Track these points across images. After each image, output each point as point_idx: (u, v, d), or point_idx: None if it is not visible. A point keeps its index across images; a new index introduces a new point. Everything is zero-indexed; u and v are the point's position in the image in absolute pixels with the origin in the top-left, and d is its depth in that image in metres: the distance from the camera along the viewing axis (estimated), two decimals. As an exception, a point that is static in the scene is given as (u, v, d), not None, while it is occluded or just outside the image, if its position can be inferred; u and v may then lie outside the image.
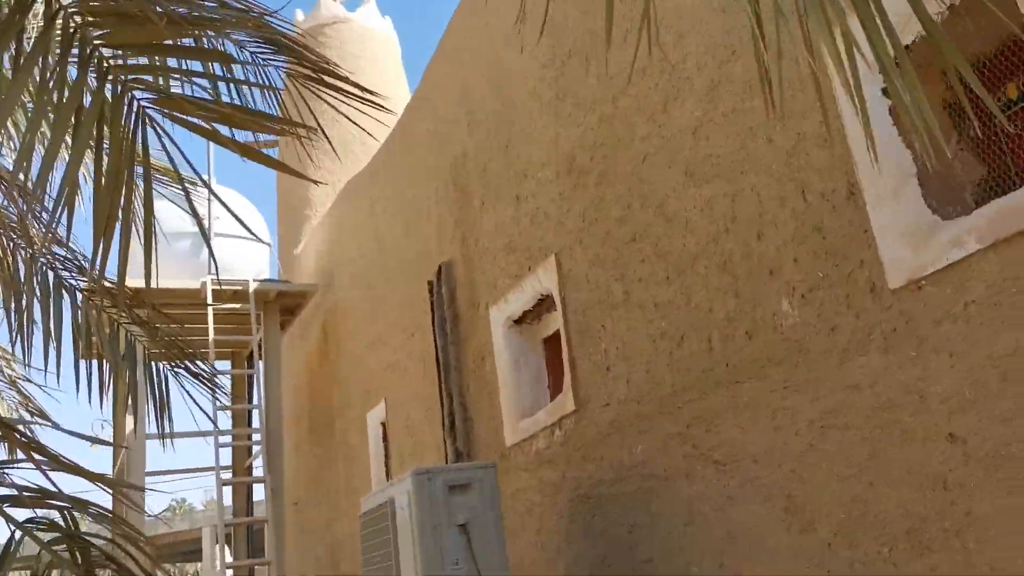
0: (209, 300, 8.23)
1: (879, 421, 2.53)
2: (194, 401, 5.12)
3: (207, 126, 2.05)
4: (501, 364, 5.06)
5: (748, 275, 3.08)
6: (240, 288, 8.51)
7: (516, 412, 4.91)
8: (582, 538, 4.13)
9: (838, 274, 2.68)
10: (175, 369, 4.50)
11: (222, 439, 9.09)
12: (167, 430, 4.74)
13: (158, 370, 4.77)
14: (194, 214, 2.40)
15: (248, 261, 9.05)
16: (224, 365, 10.48)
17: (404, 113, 6.77)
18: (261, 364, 8.69)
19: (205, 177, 9.16)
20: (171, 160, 2.31)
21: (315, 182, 2.73)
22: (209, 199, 8.85)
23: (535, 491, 4.64)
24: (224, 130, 2.27)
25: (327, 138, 2.98)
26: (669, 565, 3.49)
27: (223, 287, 8.42)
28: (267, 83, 3.07)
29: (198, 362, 4.85)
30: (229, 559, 10.63)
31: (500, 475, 5.04)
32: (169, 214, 8.85)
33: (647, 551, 3.63)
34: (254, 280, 8.58)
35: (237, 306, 8.42)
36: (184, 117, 2.15)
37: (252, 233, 9.13)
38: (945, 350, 2.33)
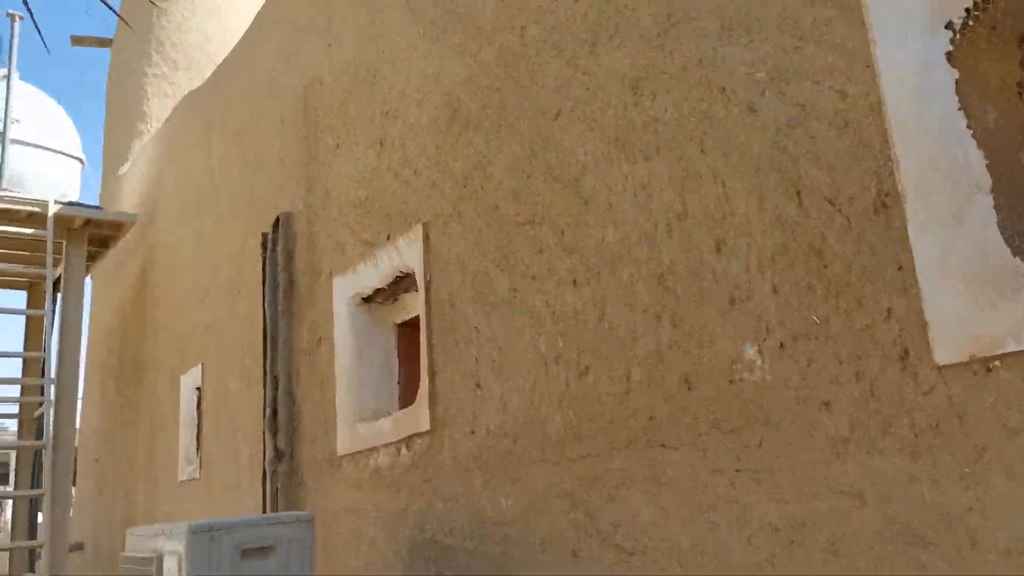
0: (-6, 221, 6.61)
1: (887, 552, 1.65)
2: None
3: None
4: (341, 349, 3.95)
5: (696, 298, 2.13)
6: (37, 210, 6.90)
7: (354, 413, 3.84)
8: (422, 596, 3.15)
9: (846, 324, 1.77)
10: None
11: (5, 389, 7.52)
12: None
13: None
14: None
15: (53, 179, 7.40)
16: (19, 298, 8.78)
17: (253, 22, 5.42)
18: (59, 303, 7.15)
19: (3, 71, 7.40)
20: None
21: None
22: (8, 93, 7.14)
23: (368, 518, 3.60)
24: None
25: None
26: (535, 661, 2.56)
27: (15, 206, 6.79)
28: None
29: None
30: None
31: (327, 488, 3.98)
32: (-48, 109, 7.08)
33: (506, 635, 2.70)
34: (56, 202, 6.98)
35: (29, 231, 6.82)
36: None
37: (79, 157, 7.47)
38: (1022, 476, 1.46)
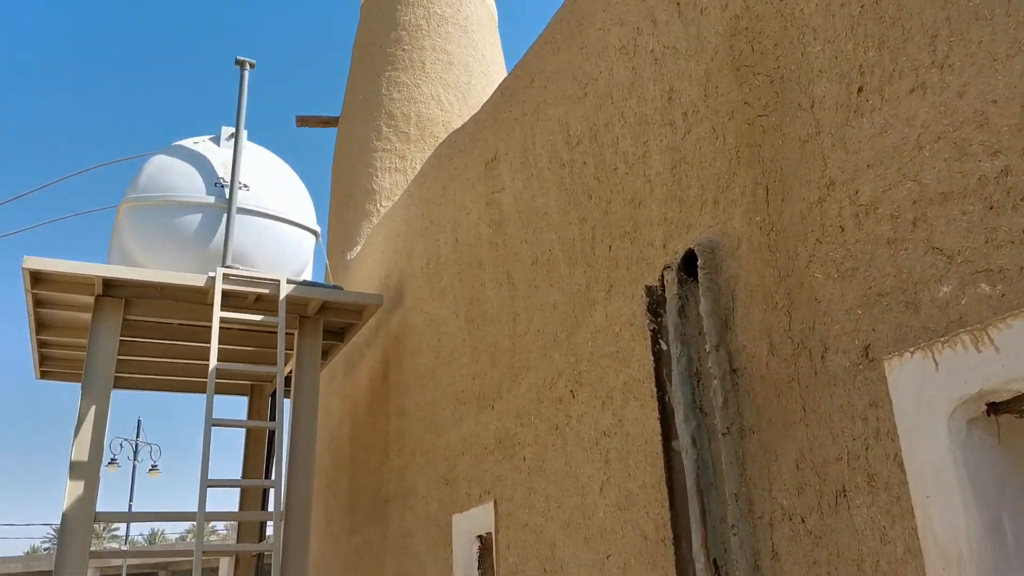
0: (217, 305, 5.00)
1: None
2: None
3: None
4: (939, 522, 1.69)
5: None
6: (266, 291, 5.26)
7: None
8: None
9: None
10: None
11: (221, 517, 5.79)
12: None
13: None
14: None
15: (285, 256, 5.80)
16: (239, 404, 7.23)
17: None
18: (287, 411, 5.39)
19: (231, 130, 6.01)
20: None
21: None
22: (236, 153, 5.67)
23: None
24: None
25: None
26: None
27: (240, 287, 5.18)
28: None
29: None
30: None
31: None
32: (170, 172, 5.69)
33: None
34: (289, 281, 5.33)
35: (257, 318, 5.15)
36: None
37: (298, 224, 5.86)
38: None
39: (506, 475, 3.77)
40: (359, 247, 8.21)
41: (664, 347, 2.52)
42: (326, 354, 6.27)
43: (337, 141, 9.46)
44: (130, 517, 4.68)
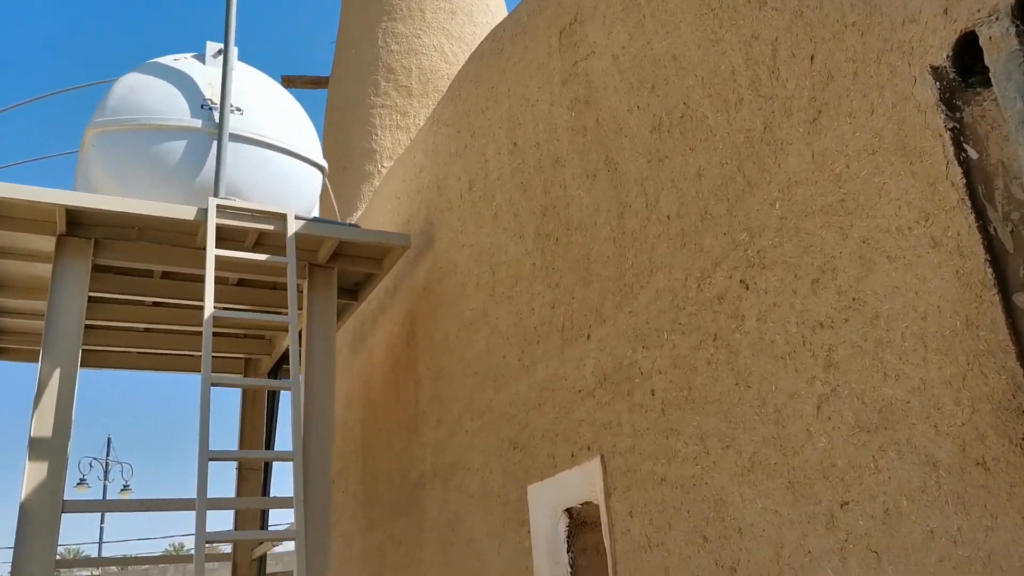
0: (211, 242, 3.94)
1: None
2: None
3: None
4: None
5: None
6: (270, 228, 4.22)
7: None
8: None
9: None
10: None
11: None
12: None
13: None
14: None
15: (285, 192, 4.75)
16: (229, 393, 6.12)
17: None
18: (300, 373, 4.32)
19: (218, 46, 4.97)
20: None
21: None
22: (225, 72, 4.62)
23: None
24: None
25: None
26: None
27: (239, 222, 4.13)
28: None
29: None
30: None
31: None
32: (147, 92, 4.62)
33: None
34: (297, 218, 4.30)
35: (262, 258, 4.10)
36: None
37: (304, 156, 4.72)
38: None
39: (620, 420, 2.77)
40: (360, 212, 7.18)
41: (975, 154, 1.55)
42: (341, 313, 5.22)
43: (329, 101, 8.43)
44: (107, 506, 3.59)
